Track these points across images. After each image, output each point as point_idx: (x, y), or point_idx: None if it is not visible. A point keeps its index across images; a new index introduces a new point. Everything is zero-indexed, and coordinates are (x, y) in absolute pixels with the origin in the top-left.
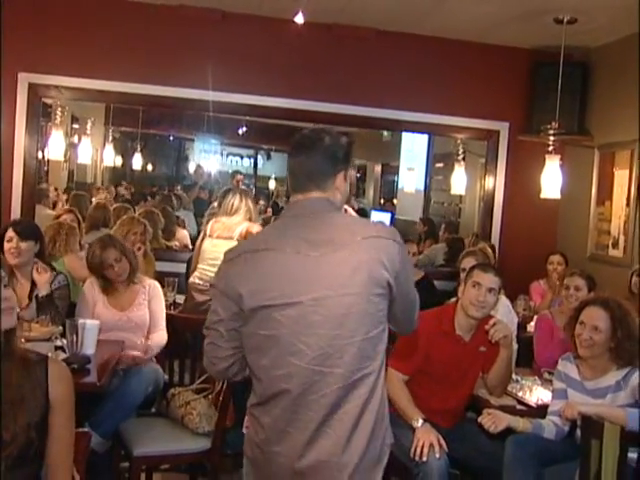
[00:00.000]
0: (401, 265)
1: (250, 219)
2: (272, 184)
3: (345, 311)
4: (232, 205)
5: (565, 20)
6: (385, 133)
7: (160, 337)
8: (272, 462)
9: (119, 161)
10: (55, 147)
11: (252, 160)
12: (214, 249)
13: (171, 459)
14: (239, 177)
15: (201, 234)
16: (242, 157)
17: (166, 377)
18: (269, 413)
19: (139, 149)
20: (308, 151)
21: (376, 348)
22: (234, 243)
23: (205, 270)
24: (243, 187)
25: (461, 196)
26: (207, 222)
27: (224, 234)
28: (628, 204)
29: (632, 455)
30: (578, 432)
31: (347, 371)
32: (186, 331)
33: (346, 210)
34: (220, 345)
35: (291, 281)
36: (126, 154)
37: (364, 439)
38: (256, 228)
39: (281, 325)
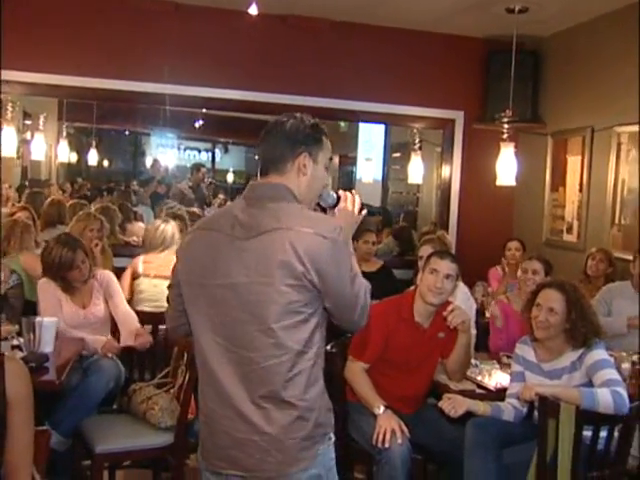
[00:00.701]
0: (328, 263)
1: None
2: (230, 177)
3: (255, 298)
4: (164, 238)
5: (516, 9)
6: (342, 124)
7: (132, 316)
8: (211, 424)
9: (74, 157)
10: (7, 144)
11: (210, 154)
12: (155, 289)
13: (134, 455)
14: (203, 170)
15: (127, 271)
16: (200, 151)
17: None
18: (204, 385)
19: (94, 144)
20: (268, 135)
21: (293, 338)
22: None
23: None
24: (210, 180)
25: (418, 185)
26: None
27: (164, 272)
28: (581, 190)
29: (587, 433)
30: (536, 413)
31: (258, 356)
32: (145, 325)
33: (338, 197)
34: (170, 305)
35: (216, 262)
36: (81, 150)
37: (281, 426)
38: None
39: (205, 304)
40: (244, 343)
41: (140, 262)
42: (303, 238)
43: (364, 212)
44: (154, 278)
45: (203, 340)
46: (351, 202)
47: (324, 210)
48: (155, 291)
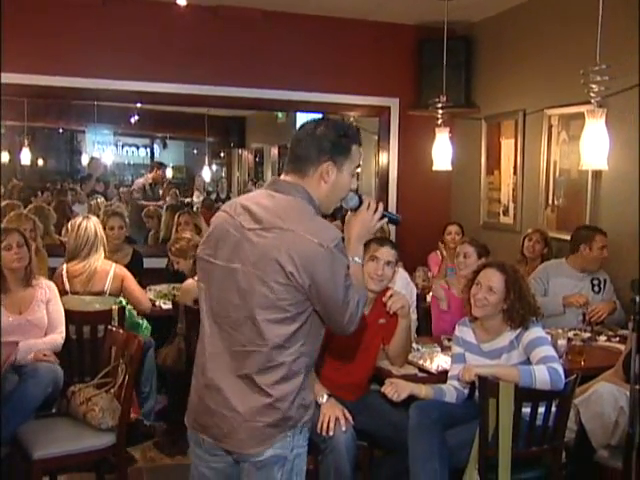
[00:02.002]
0: (322, 271)
1: (105, 250)
2: (169, 173)
3: (248, 287)
4: (88, 238)
5: None
6: (280, 115)
7: (57, 338)
8: (195, 388)
9: (6, 157)
10: None
11: (148, 150)
12: (89, 307)
13: (75, 459)
14: (164, 169)
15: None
16: (138, 147)
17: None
18: (198, 353)
19: (27, 143)
20: (300, 136)
21: (274, 332)
22: (110, 300)
23: None
24: (168, 180)
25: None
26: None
27: (92, 287)
28: (515, 172)
29: (526, 410)
30: (477, 393)
31: (241, 339)
32: (83, 325)
33: (361, 201)
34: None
35: (223, 244)
36: (13, 149)
37: (250, 407)
38: (118, 269)
39: (209, 279)
40: (232, 323)
41: (65, 276)
42: (301, 243)
43: (384, 221)
44: (83, 295)
45: (205, 312)
46: (373, 209)
47: (345, 210)
48: (90, 309)
